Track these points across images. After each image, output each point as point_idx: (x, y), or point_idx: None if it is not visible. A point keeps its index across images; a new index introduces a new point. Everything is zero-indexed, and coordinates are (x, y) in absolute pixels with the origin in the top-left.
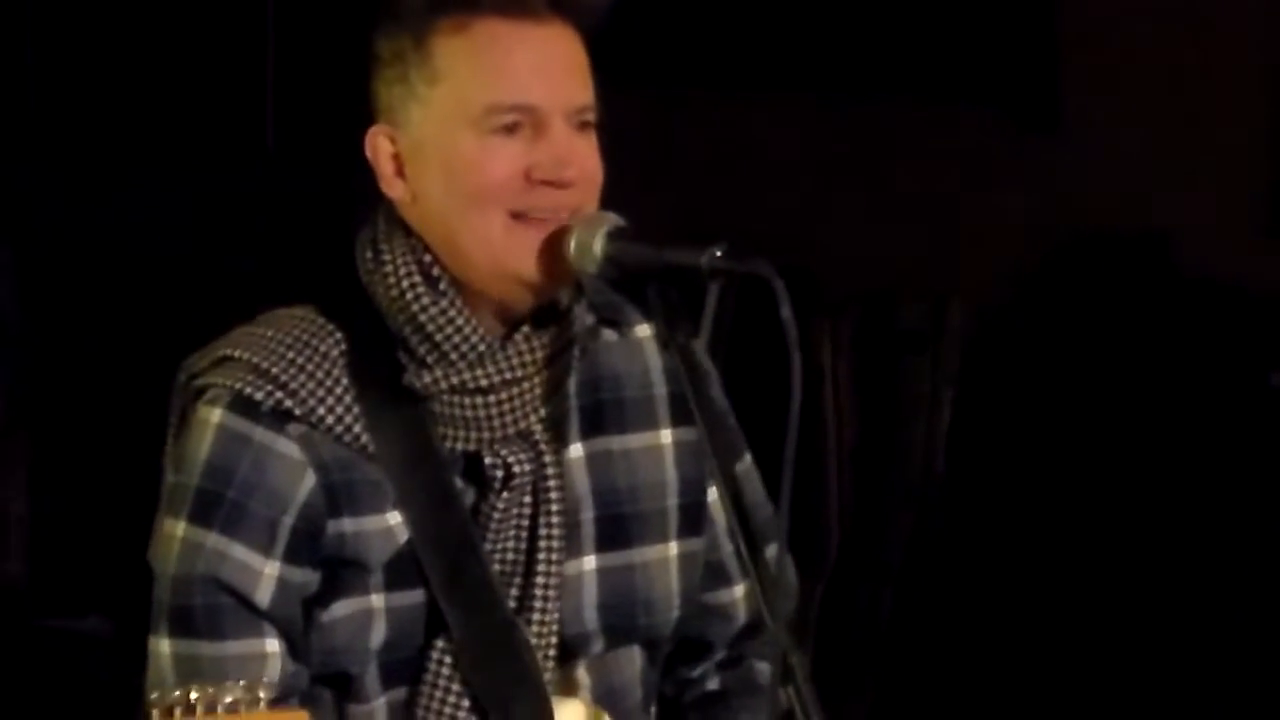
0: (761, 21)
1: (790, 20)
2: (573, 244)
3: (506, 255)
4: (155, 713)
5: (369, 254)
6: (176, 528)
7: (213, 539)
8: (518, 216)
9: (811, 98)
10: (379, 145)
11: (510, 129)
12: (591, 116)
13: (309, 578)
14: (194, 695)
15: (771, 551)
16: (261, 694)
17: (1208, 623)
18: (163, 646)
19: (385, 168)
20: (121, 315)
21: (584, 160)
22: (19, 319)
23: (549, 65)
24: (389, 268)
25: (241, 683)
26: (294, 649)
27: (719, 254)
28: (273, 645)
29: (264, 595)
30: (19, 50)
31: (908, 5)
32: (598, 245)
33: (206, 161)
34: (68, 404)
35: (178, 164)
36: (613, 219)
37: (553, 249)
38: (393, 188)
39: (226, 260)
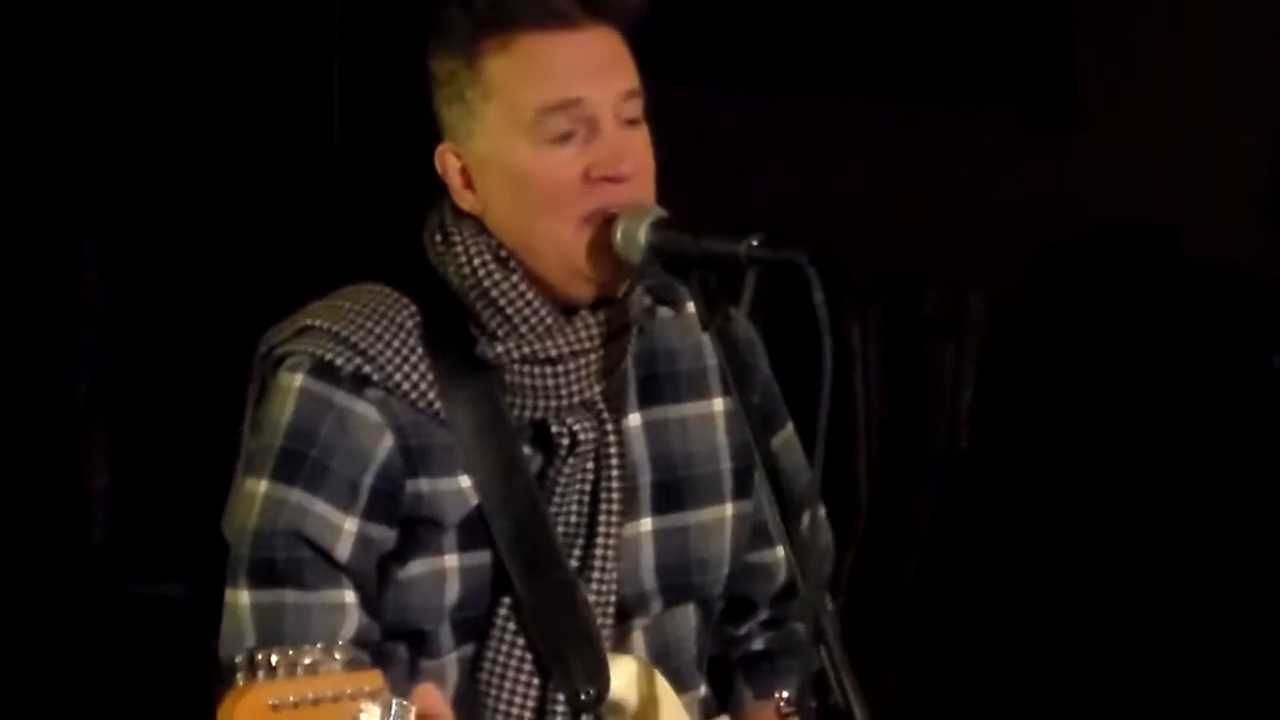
0: (793, 26)
1: (820, 25)
2: (619, 233)
3: (575, 255)
4: (239, 675)
5: (438, 237)
6: (258, 486)
7: (296, 495)
8: (586, 219)
9: (841, 99)
10: (447, 161)
11: (565, 137)
12: (639, 107)
13: (386, 535)
14: (275, 658)
15: (809, 516)
16: (338, 655)
17: (1213, 589)
18: (242, 598)
19: (455, 182)
20: (198, 298)
21: (637, 154)
22: (103, 302)
23: (590, 59)
24: (459, 248)
25: (319, 645)
26: (368, 603)
27: (756, 243)
28: (350, 597)
29: (344, 550)
30: (103, 50)
31: (931, 11)
32: (642, 234)
33: (277, 156)
34: (149, 382)
35: (250, 158)
36: (657, 210)
37: (602, 238)
38: (464, 200)
39: (294, 249)
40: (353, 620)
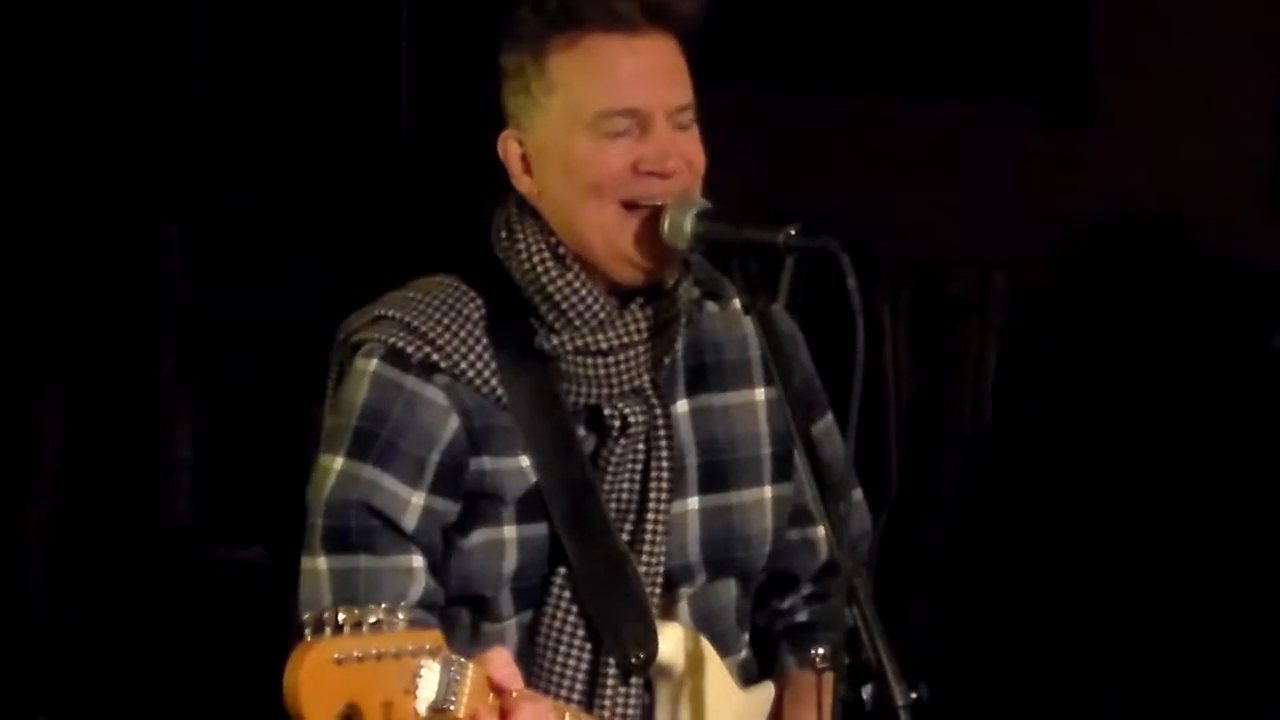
0: (822, 31)
1: (848, 29)
2: (666, 223)
3: (618, 239)
4: (307, 631)
5: (503, 234)
6: (334, 462)
7: (367, 471)
8: (628, 206)
9: (867, 98)
10: (509, 147)
11: (619, 133)
12: (691, 115)
13: (450, 508)
14: (341, 616)
15: (854, 497)
16: (400, 615)
17: (1216, 558)
18: (319, 564)
19: (515, 167)
20: (274, 282)
21: (685, 152)
22: (185, 286)
23: (650, 72)
24: (521, 245)
25: (384, 605)
26: (434, 568)
27: (793, 232)
28: (418, 561)
29: (410, 521)
30: (185, 49)
31: (952, 16)
32: (688, 224)
33: (347, 149)
34: (227, 361)
35: (322, 151)
36: (701, 202)
37: (649, 228)
38: (521, 183)
39: (364, 237)
40: (420, 583)
